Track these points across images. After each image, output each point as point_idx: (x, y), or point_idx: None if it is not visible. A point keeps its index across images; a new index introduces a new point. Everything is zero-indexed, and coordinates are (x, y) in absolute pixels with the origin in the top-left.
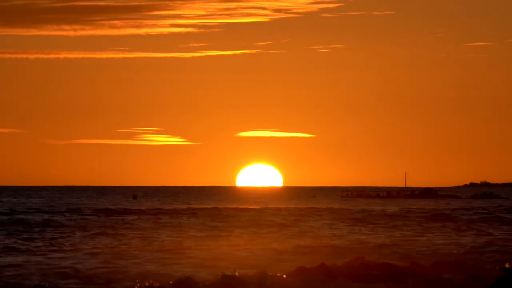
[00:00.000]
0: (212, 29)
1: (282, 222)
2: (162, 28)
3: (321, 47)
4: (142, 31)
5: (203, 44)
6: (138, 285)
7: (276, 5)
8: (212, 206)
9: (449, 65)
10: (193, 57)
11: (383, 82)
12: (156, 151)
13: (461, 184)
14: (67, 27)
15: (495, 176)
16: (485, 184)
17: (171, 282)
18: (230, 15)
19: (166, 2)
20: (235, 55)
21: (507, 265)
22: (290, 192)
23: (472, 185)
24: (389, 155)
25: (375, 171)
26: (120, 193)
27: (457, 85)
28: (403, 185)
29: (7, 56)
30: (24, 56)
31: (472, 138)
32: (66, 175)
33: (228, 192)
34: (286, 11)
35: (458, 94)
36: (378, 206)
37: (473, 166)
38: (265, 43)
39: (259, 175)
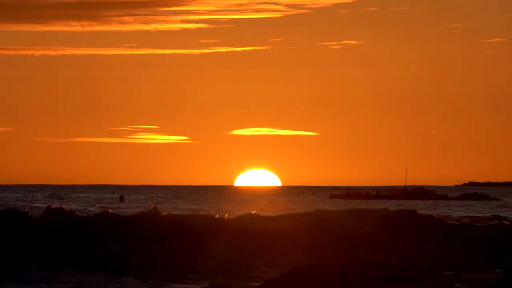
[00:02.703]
0: (223, 25)
1: None
2: (172, 24)
3: (333, 43)
4: (151, 27)
5: (214, 41)
6: None
7: (289, 0)
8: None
9: (465, 62)
10: (201, 54)
11: (394, 78)
12: (158, 149)
13: (460, 183)
14: (75, 23)
15: (499, 175)
16: (487, 184)
17: None
18: (242, 11)
19: None
20: (244, 51)
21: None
22: (286, 193)
23: (472, 184)
24: (392, 153)
25: (379, 169)
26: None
27: (471, 82)
28: (404, 183)
29: (12, 52)
30: (30, 52)
31: (483, 136)
32: (62, 174)
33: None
34: (299, 6)
35: (473, 91)
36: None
37: (474, 164)
38: (277, 39)
39: (257, 177)
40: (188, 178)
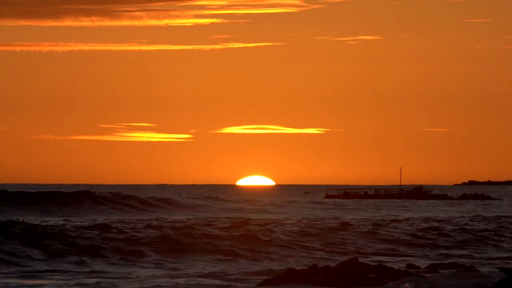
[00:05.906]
0: (237, 20)
1: None
2: (185, 19)
3: (348, 38)
4: (163, 22)
5: (226, 36)
6: None
7: None
8: None
9: (483, 58)
10: (212, 50)
11: (407, 75)
12: (159, 148)
13: (459, 182)
14: (84, 18)
15: (499, 174)
16: (487, 183)
17: None
18: (257, 6)
19: None
20: (257, 47)
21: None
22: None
23: (472, 183)
24: (393, 151)
25: (374, 168)
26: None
27: (482, 79)
28: (398, 183)
29: (19, 48)
30: (38, 48)
31: (485, 134)
32: (62, 174)
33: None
34: (315, 1)
35: (480, 88)
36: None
37: (475, 163)
38: (291, 35)
39: (255, 178)
40: (189, 177)
